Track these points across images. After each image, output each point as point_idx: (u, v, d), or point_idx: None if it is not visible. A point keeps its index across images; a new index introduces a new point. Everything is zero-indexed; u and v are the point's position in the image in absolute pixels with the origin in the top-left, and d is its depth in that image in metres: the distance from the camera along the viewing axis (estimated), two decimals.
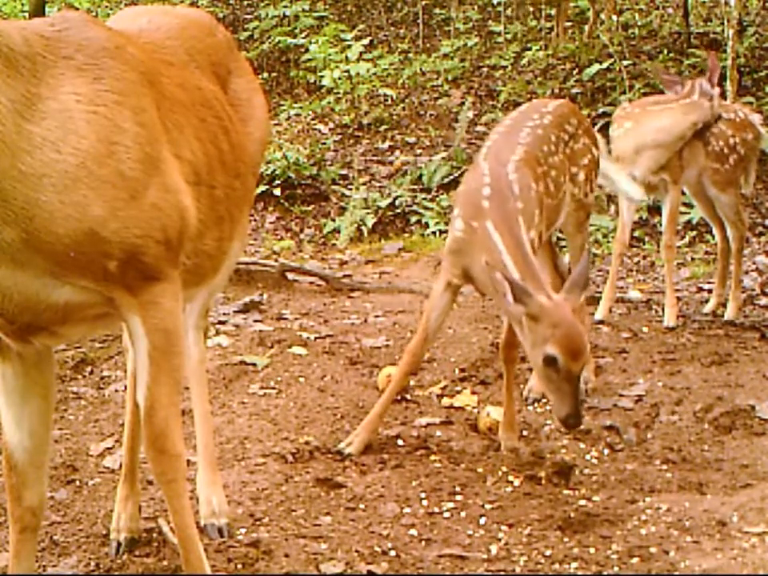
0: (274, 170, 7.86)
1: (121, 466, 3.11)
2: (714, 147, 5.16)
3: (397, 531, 3.08)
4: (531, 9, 10.64)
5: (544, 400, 4.13)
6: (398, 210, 7.54)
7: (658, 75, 5.41)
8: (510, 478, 3.47)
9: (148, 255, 2.15)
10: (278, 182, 7.86)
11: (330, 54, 8.79)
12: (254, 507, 3.21)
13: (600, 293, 5.33)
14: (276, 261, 6.14)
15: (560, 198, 3.94)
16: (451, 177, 7.72)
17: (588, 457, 3.68)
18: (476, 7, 10.96)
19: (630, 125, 5.04)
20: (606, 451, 3.73)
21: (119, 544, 2.96)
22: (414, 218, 7.45)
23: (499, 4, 10.42)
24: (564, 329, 3.12)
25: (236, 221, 2.64)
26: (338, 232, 7.38)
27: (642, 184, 5.12)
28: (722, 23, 8.93)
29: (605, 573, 2.83)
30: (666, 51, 9.03)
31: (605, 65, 8.58)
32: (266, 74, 9.69)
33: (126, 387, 3.27)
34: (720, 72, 4.92)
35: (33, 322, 2.14)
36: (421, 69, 9.42)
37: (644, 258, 6.71)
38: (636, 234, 6.81)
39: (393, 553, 2.94)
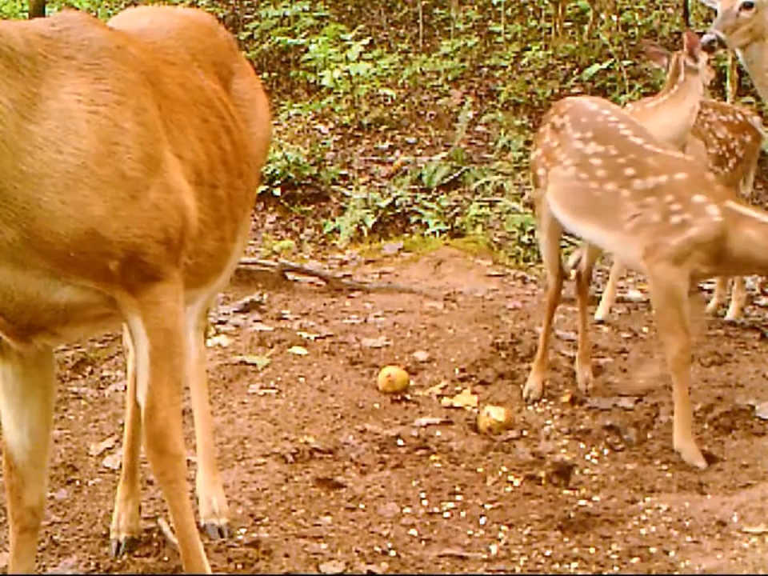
0: (274, 170, 7.85)
1: (121, 466, 3.10)
2: (716, 151, 5.15)
3: (397, 531, 3.08)
4: (531, 9, 10.65)
5: (544, 400, 4.13)
6: (398, 210, 7.53)
7: (647, 49, 5.39)
8: (510, 477, 3.47)
9: (149, 255, 2.15)
10: (278, 182, 7.85)
11: (330, 54, 8.78)
12: (254, 507, 3.21)
13: (600, 293, 5.33)
14: (276, 261, 6.13)
15: None
16: (451, 177, 7.71)
17: (588, 457, 3.68)
18: (476, 7, 10.95)
19: None
20: (606, 451, 3.73)
21: (119, 544, 2.96)
22: (414, 218, 7.44)
23: (499, 4, 10.41)
24: None
25: (238, 221, 2.64)
26: (338, 232, 7.37)
27: None
28: None
29: (605, 573, 2.83)
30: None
31: (605, 65, 8.58)
32: (266, 74, 9.68)
33: (126, 387, 3.27)
34: (701, 45, 4.87)
35: (33, 322, 2.14)
36: (421, 69, 9.42)
37: None
38: None
39: (393, 553, 2.94)
